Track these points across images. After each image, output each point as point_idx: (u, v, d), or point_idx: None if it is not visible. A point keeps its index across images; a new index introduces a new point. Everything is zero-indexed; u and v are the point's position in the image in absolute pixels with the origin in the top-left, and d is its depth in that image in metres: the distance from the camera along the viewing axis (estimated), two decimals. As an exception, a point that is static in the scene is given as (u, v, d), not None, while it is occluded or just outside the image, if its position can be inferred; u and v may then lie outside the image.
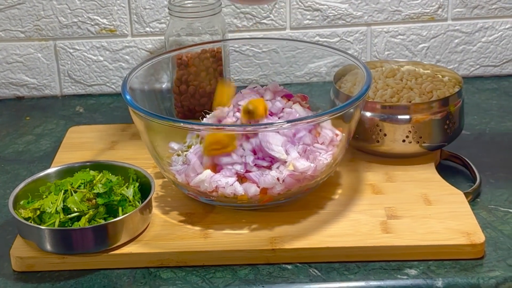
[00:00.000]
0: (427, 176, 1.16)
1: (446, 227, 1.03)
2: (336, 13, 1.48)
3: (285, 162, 1.04)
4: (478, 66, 1.54)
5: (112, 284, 0.98)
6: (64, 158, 1.24)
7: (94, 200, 1.02)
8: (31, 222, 1.01)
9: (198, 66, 1.29)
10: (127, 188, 1.05)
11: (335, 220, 1.06)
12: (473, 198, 1.12)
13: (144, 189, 1.07)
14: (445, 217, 1.05)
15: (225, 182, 1.04)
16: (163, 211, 1.09)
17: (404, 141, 1.17)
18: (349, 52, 1.48)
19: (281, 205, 1.08)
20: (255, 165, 1.05)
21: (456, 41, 1.52)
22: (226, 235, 1.04)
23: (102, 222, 1.01)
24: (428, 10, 1.49)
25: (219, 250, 1.01)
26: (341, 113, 1.04)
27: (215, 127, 1.07)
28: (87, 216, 1.01)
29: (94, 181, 1.04)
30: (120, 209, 1.03)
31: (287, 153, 1.04)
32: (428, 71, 1.27)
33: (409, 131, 1.16)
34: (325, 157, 1.06)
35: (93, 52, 1.50)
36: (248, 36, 1.49)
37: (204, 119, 1.16)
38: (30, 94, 1.52)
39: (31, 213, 1.02)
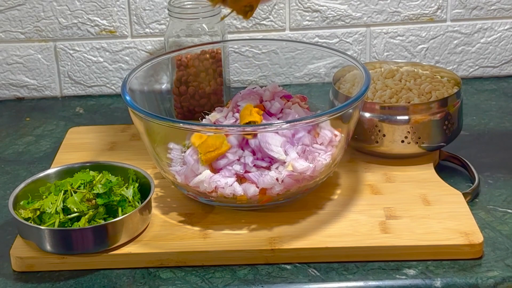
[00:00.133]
0: (426, 176, 1.16)
1: (444, 227, 1.03)
2: (335, 14, 1.49)
3: (284, 162, 1.04)
4: (477, 67, 1.54)
5: (111, 284, 0.98)
6: (64, 158, 1.24)
7: (93, 201, 1.02)
8: (31, 222, 1.02)
9: (198, 67, 1.29)
10: (126, 189, 1.05)
11: (334, 220, 1.06)
12: (472, 199, 1.12)
13: (144, 190, 1.07)
14: (443, 217, 1.05)
15: (224, 182, 1.04)
16: (163, 212, 1.09)
17: (403, 141, 1.17)
18: (349, 53, 1.48)
19: (280, 205, 1.08)
20: (254, 165, 1.05)
21: (455, 42, 1.52)
22: (225, 235, 1.04)
23: (102, 222, 1.01)
24: (427, 11, 1.49)
25: (219, 250, 1.01)
26: (340, 114, 1.04)
27: (215, 127, 1.07)
28: (87, 216, 1.01)
29: (94, 182, 1.04)
30: (119, 209, 1.03)
31: (286, 153, 1.04)
32: (427, 72, 1.27)
33: (408, 131, 1.16)
34: (324, 158, 1.06)
35: (93, 53, 1.50)
36: (247, 37, 1.49)
37: (204, 120, 1.16)
38: (30, 95, 1.53)
39: (31, 214, 1.02)
